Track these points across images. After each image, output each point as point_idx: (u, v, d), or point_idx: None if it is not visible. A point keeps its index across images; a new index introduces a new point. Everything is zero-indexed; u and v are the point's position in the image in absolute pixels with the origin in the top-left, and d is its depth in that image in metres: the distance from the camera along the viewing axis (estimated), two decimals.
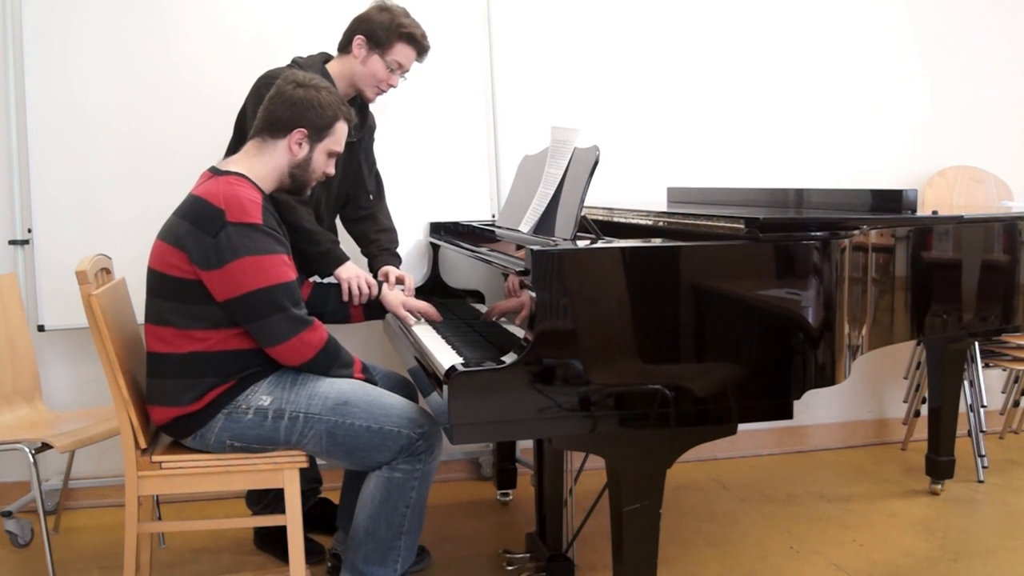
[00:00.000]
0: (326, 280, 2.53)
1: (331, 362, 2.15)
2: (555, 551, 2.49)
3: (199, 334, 2.05)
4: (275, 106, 2.16)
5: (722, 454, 3.68)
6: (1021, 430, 3.96)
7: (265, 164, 2.17)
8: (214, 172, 2.15)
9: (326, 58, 2.68)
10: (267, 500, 2.69)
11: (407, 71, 2.68)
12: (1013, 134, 3.96)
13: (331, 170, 2.26)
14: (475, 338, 2.29)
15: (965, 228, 2.66)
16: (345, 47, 2.64)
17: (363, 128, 2.77)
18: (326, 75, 2.57)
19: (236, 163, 2.17)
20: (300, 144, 2.16)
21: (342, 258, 2.51)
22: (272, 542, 2.75)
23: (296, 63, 2.59)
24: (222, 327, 2.06)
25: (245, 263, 1.99)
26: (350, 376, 2.19)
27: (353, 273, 2.47)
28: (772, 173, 3.70)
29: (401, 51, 2.61)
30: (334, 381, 2.15)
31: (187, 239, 2.02)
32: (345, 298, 2.46)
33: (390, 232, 2.83)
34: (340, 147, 2.24)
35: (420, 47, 2.65)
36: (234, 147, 2.52)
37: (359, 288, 2.45)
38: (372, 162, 2.84)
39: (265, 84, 2.46)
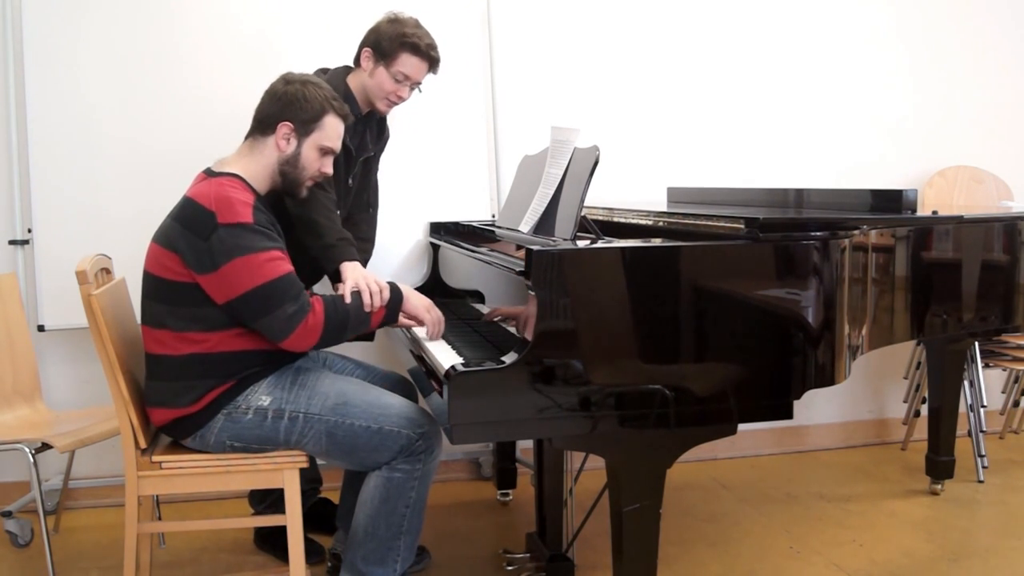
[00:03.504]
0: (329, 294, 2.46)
1: (341, 331, 2.06)
2: (555, 551, 2.49)
3: (197, 336, 2.05)
4: (263, 103, 2.17)
5: (722, 454, 3.68)
6: (1021, 430, 3.95)
7: (256, 163, 2.16)
8: (208, 173, 2.14)
9: (348, 71, 2.63)
10: (270, 500, 2.69)
11: (418, 83, 2.60)
12: (1013, 134, 3.96)
13: (327, 169, 2.22)
14: (475, 338, 2.29)
15: (965, 228, 2.66)
16: (357, 60, 2.61)
17: (380, 140, 2.77)
18: (347, 88, 2.56)
19: (230, 164, 2.17)
20: (288, 139, 2.15)
21: (346, 256, 2.29)
22: (272, 542, 2.75)
23: (321, 73, 2.58)
24: (219, 328, 2.05)
25: (238, 264, 1.98)
26: (368, 324, 2.11)
27: (360, 274, 2.18)
28: (772, 173, 3.70)
29: (406, 62, 2.53)
30: (334, 381, 2.14)
31: (180, 242, 2.01)
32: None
33: (367, 242, 2.79)
34: (332, 143, 2.19)
35: (428, 58, 2.56)
36: None
37: (370, 290, 2.13)
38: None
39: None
